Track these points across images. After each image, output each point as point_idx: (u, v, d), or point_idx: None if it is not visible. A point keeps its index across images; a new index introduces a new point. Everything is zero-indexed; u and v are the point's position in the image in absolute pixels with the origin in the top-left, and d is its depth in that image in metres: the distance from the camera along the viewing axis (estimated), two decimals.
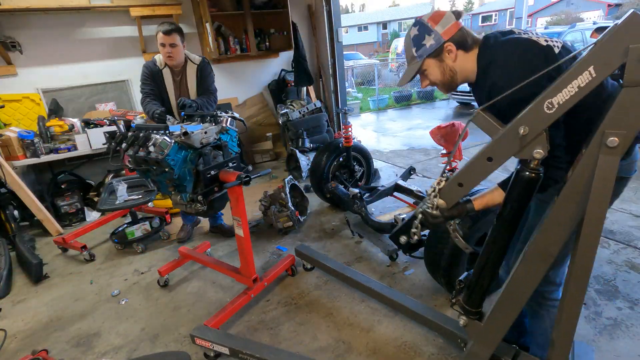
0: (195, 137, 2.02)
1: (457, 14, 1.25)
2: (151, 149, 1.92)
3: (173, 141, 1.95)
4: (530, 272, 1.12)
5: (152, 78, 2.71)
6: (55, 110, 3.84)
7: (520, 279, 1.15)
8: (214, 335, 1.89)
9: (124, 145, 2.02)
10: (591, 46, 0.84)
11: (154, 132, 2.00)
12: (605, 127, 0.88)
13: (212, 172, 2.07)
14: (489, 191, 1.25)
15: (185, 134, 1.97)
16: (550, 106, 0.91)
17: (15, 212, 3.41)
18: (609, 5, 22.95)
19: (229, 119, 2.28)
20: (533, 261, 1.10)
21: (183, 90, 2.82)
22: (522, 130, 0.96)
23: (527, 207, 1.14)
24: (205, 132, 2.07)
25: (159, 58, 2.73)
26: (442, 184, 1.22)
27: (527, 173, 1.04)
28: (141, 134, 1.97)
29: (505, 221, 1.15)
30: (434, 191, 1.23)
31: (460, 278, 1.47)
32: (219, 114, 2.30)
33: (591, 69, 0.83)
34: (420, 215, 1.28)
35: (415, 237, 1.34)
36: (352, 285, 2.30)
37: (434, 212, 1.24)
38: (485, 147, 1.07)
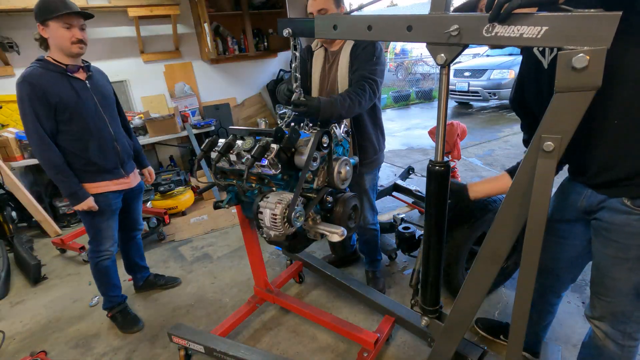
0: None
1: None
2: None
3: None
4: (482, 273, 1.17)
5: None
6: None
7: (474, 280, 1.20)
8: (190, 334, 1.87)
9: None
10: (565, 13, 0.79)
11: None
12: (541, 132, 0.90)
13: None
14: (492, 178, 1.23)
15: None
16: (489, 30, 0.87)
17: (13, 214, 3.40)
18: None
19: (345, 125, 1.65)
20: (485, 263, 1.15)
21: (332, 79, 1.97)
22: (452, 28, 0.90)
23: (445, 200, 1.17)
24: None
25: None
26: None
27: (437, 168, 1.12)
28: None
29: (430, 216, 1.22)
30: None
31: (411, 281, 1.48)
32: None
33: (544, 29, 0.80)
34: None
35: None
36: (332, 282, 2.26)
37: None
38: (411, 15, 0.99)
